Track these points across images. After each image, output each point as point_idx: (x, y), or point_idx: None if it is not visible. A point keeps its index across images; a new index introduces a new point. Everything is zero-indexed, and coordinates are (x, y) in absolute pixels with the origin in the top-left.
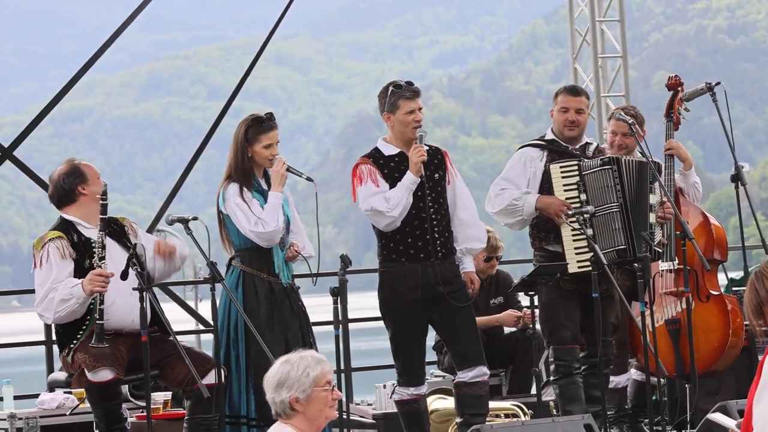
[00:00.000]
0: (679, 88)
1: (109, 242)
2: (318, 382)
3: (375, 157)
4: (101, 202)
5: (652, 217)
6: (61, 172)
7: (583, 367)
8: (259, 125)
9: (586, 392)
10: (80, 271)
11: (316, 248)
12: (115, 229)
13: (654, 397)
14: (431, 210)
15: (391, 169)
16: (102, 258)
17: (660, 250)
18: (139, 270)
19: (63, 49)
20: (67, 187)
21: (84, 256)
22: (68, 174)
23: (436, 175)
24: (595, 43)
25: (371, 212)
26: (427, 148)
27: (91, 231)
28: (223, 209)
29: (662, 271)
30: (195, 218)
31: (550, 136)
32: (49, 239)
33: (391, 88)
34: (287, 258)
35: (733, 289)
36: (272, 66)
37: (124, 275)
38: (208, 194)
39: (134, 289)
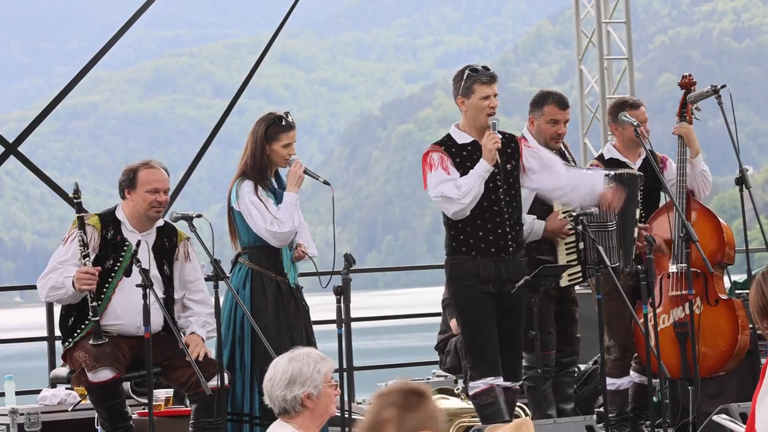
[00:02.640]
0: (692, 88)
1: (149, 256)
2: (326, 378)
3: (447, 144)
4: (74, 200)
5: (635, 231)
6: (124, 170)
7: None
8: (280, 124)
9: (559, 391)
10: (100, 266)
11: (331, 249)
12: (165, 245)
13: (655, 400)
14: (503, 203)
15: (464, 158)
16: (86, 256)
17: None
18: (141, 267)
19: (68, 46)
20: (120, 185)
21: (108, 256)
22: (124, 174)
23: (509, 166)
24: (600, 44)
25: (441, 198)
26: (501, 136)
27: (132, 235)
28: (235, 206)
29: (671, 272)
30: (199, 215)
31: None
32: (88, 224)
33: (467, 71)
34: (294, 258)
35: (736, 292)
36: (277, 64)
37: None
38: (212, 192)
39: (137, 285)
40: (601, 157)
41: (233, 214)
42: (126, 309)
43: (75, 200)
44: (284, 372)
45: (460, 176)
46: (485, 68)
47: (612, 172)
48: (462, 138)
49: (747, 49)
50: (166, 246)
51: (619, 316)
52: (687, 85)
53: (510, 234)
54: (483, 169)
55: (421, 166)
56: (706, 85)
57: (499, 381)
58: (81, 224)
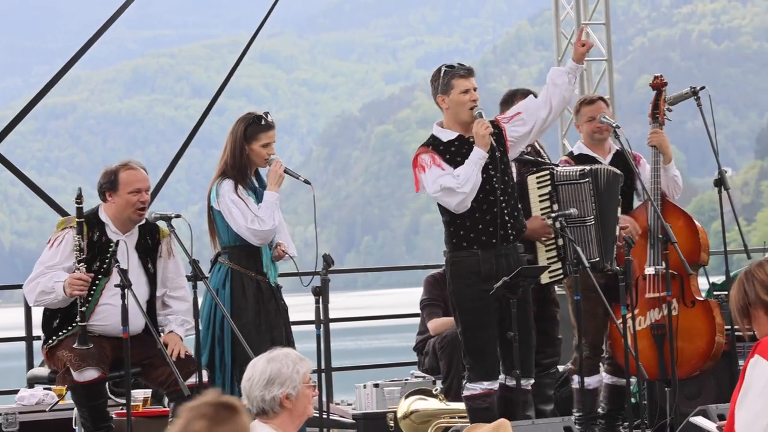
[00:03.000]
0: (663, 88)
1: (132, 255)
2: (305, 379)
3: (433, 144)
4: (76, 205)
5: (617, 229)
6: (103, 172)
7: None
8: (259, 123)
9: (539, 392)
10: (88, 270)
11: (312, 247)
12: (147, 243)
13: (633, 401)
14: (498, 191)
15: (452, 154)
16: (81, 261)
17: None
18: (120, 267)
19: (48, 45)
20: (100, 188)
21: (95, 257)
22: (104, 177)
23: (498, 153)
24: None
25: (441, 192)
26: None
27: (116, 236)
28: (215, 205)
29: (647, 274)
30: (178, 216)
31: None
32: (72, 227)
33: (443, 68)
34: (274, 258)
35: (714, 293)
36: (257, 64)
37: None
38: (191, 192)
39: (116, 285)
40: (571, 154)
41: (213, 214)
42: (113, 311)
43: (77, 205)
44: (263, 372)
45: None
46: (461, 64)
47: (588, 168)
48: (446, 135)
49: (726, 51)
50: (149, 244)
51: (592, 315)
52: (659, 85)
53: (509, 222)
54: (478, 156)
55: (400, 168)
56: (685, 87)
57: (496, 385)
58: (80, 230)
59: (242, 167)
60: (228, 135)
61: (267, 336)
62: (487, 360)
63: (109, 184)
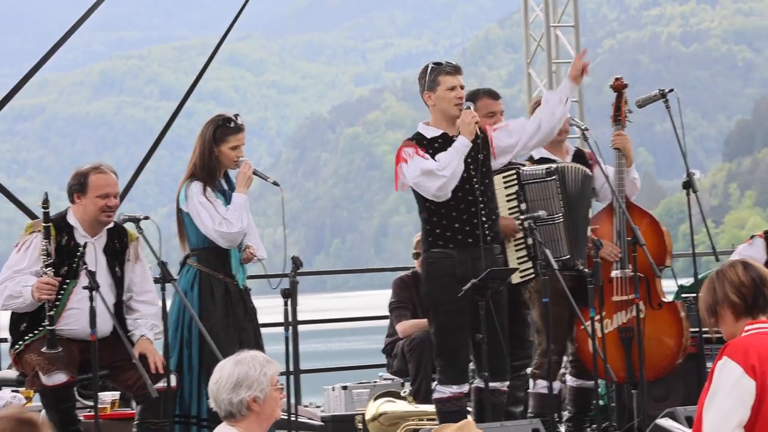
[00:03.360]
0: (624, 90)
1: (101, 259)
2: (272, 382)
3: (417, 139)
4: (42, 209)
5: (588, 230)
6: (73, 174)
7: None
8: (228, 126)
9: (510, 394)
10: (56, 274)
11: (281, 249)
12: (116, 246)
13: (601, 403)
14: (477, 192)
15: (435, 150)
16: (48, 265)
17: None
18: (87, 269)
19: (15, 47)
20: (69, 190)
21: (63, 261)
22: (74, 178)
23: (481, 156)
24: (549, 48)
25: (422, 176)
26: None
27: (84, 239)
28: (184, 207)
29: (614, 277)
30: (146, 217)
31: None
32: (39, 231)
33: (430, 65)
34: (243, 260)
35: (683, 295)
36: (225, 67)
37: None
38: (159, 194)
39: (84, 287)
40: (531, 159)
41: (182, 216)
42: (81, 315)
43: (44, 210)
44: (230, 375)
45: None
46: (448, 62)
47: (554, 166)
48: (431, 132)
49: (695, 53)
50: (117, 247)
51: (558, 320)
52: (619, 87)
53: (486, 223)
54: (462, 144)
55: (369, 170)
56: (654, 90)
57: (465, 389)
58: (47, 234)
59: (211, 169)
60: (197, 137)
61: (235, 338)
62: (459, 362)
63: (78, 186)
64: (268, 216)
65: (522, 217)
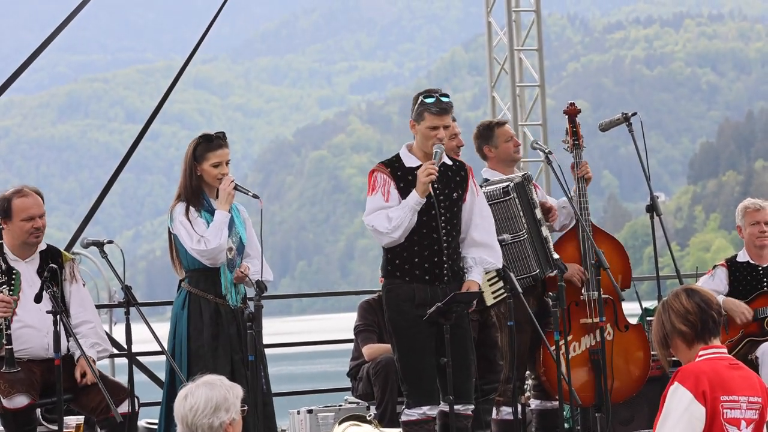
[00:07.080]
0: (576, 116)
1: (35, 281)
2: (240, 404)
3: (394, 166)
4: None
5: (544, 231)
6: None
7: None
8: (208, 143)
9: (477, 418)
10: None
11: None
12: (51, 267)
13: (567, 426)
14: (443, 231)
15: (408, 183)
16: (1, 284)
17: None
18: (53, 292)
19: None
20: None
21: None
22: None
23: (455, 195)
24: (513, 71)
25: (372, 230)
26: (451, 163)
27: (15, 263)
28: (172, 228)
29: (579, 300)
30: (110, 242)
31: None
32: None
33: (420, 98)
34: (235, 280)
35: (647, 318)
36: (191, 90)
37: (38, 298)
38: (124, 217)
39: (48, 312)
40: (486, 180)
41: (173, 238)
42: (32, 333)
43: None
44: (209, 399)
45: (402, 200)
46: (442, 97)
47: (509, 184)
48: (410, 161)
49: (659, 76)
50: (53, 268)
51: (521, 344)
52: (572, 112)
53: (446, 263)
54: (414, 201)
55: (334, 193)
56: (617, 113)
57: (435, 411)
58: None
59: (194, 189)
60: (183, 157)
61: (226, 360)
62: (423, 386)
63: (2, 212)
64: None
65: None
